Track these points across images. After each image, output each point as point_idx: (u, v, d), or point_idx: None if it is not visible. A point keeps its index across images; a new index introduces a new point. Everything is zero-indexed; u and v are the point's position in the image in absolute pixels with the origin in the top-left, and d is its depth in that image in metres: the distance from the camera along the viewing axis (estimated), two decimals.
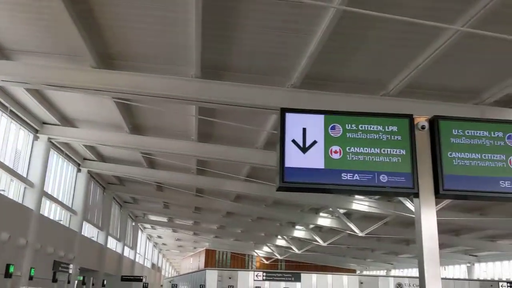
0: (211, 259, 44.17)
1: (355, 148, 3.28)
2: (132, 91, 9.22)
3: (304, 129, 3.26)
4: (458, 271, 32.72)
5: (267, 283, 17.25)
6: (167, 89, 9.00)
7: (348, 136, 3.30)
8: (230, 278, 17.14)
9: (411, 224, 23.19)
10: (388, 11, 6.30)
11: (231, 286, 16.85)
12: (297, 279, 17.36)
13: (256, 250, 41.01)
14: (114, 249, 28.59)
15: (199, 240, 42.50)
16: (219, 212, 26.98)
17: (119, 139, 14.08)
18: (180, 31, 7.89)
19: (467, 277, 29.23)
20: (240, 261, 44.49)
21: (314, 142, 3.25)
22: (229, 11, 7.18)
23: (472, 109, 9.21)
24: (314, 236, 24.36)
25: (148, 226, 39.39)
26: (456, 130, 3.35)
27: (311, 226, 25.92)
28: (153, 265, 49.10)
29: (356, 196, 18.50)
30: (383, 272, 41.28)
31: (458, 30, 6.64)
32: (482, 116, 9.13)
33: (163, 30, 8.01)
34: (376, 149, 3.29)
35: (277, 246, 35.73)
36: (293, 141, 3.24)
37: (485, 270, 30.02)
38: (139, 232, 37.71)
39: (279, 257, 38.62)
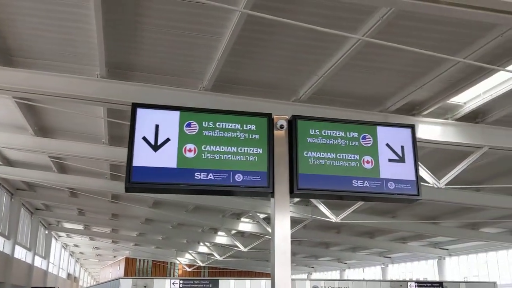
0: (132, 268, 42.74)
1: (211, 147, 3.19)
2: (31, 90, 8.58)
3: (157, 126, 3.10)
4: (373, 272, 34.16)
5: None
6: (69, 88, 8.48)
7: (204, 134, 3.19)
8: (145, 286, 16.59)
9: (330, 227, 23.91)
10: (294, 17, 6.35)
11: None
12: (215, 285, 17.15)
13: (178, 258, 40.26)
14: (23, 259, 26.77)
15: (118, 248, 40.99)
16: (138, 218, 26.18)
17: (23, 141, 13.14)
18: (82, 28, 7.48)
19: (381, 278, 30.60)
20: (162, 269, 43.46)
21: (167, 140, 3.11)
22: (132, 8, 6.90)
23: (375, 116, 9.57)
24: (235, 242, 24.30)
25: (63, 234, 37.39)
26: (313, 130, 3.37)
27: (233, 232, 25.88)
28: (69, 275, 46.65)
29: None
30: (304, 276, 42.15)
31: (360, 39, 6.83)
32: None
33: (65, 26, 7.56)
34: (232, 148, 3.22)
35: (199, 253, 35.31)
36: (144, 138, 3.07)
37: (398, 270, 31.60)
38: (53, 240, 35.65)
39: (201, 264, 38.18)
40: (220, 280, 17.18)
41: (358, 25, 6.88)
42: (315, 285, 18.40)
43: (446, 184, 10.45)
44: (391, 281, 20.85)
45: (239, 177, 3.15)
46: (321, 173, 3.27)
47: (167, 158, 3.04)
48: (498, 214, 18.51)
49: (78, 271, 56.96)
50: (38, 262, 30.65)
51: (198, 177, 3.10)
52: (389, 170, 3.35)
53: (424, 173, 10.32)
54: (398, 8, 6.15)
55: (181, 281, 17.14)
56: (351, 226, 22.77)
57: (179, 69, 8.83)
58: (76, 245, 43.18)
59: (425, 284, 19.89)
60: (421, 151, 11.54)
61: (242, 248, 24.00)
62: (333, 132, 3.40)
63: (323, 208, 14.75)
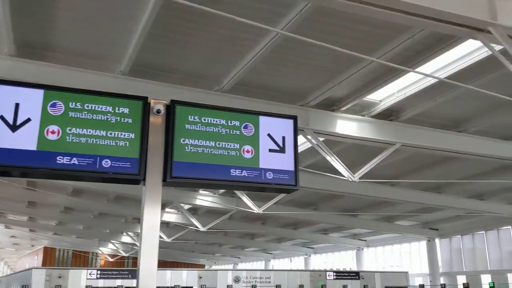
0: (50, 258, 40.84)
1: (77, 129, 3.02)
2: None
3: (17, 104, 2.90)
4: (298, 262, 35.04)
5: (101, 281, 16.35)
6: None
7: (70, 115, 3.01)
8: (60, 277, 15.86)
9: (255, 219, 24.19)
10: (215, 7, 6.24)
11: (58, 285, 15.59)
12: (134, 276, 16.71)
13: (100, 248, 38.99)
14: None
15: (37, 237, 39.00)
16: (56, 207, 24.97)
17: None
18: None
19: (304, 268, 31.47)
20: (83, 259, 41.92)
21: (28, 120, 2.92)
22: None
23: (296, 109, 9.73)
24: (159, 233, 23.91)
25: None
26: (192, 117, 3.31)
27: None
28: None
29: (201, 191, 18.60)
30: (230, 266, 42.44)
31: (278, 32, 6.86)
32: (306, 118, 9.76)
33: None
34: (102, 132, 3.07)
35: (122, 243, 34.41)
36: (1, 117, 2.86)
37: (320, 260, 32.64)
38: None
39: (124, 254, 37.25)
40: None
41: (278, 18, 6.93)
42: (237, 275, 18.53)
43: (360, 178, 10.86)
44: (311, 271, 21.51)
45: (106, 163, 3.02)
46: (197, 161, 3.22)
47: (26, 140, 2.84)
48: (412, 208, 19.61)
49: None
50: None
51: (60, 161, 2.93)
52: (268, 160, 3.37)
53: (339, 166, 10.65)
54: (314, 3, 6.23)
55: (99, 272, 16.58)
56: (275, 218, 23.21)
57: (96, 52, 8.45)
58: None
59: (342, 274, 20.71)
60: (340, 146, 11.95)
61: (165, 238, 23.67)
62: (214, 120, 3.34)
63: (246, 199, 14.85)
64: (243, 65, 8.30)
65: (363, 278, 20.54)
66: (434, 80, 8.63)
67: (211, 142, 3.25)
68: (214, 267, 44.36)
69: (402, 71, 8.27)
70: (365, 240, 27.69)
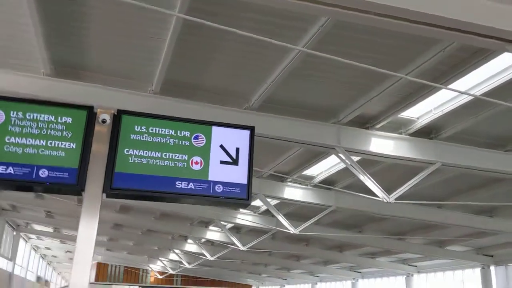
0: (103, 273, 41.99)
1: (16, 139, 3.02)
2: None
3: None
4: (344, 287, 33.99)
5: None
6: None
7: (10, 124, 3.02)
8: None
9: (298, 240, 23.79)
10: (234, 23, 6.27)
11: None
12: None
13: (150, 265, 39.70)
14: None
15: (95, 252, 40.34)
16: (106, 223, 25.72)
17: None
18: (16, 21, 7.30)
19: None
20: (133, 276, 42.80)
21: None
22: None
23: (327, 127, 9.53)
24: (202, 250, 24.03)
25: (33, 236, 36.66)
26: (139, 127, 3.23)
27: (203, 240, 25.60)
28: (38, 278, 45.71)
29: (241, 210, 18.56)
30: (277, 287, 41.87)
31: (300, 50, 6.77)
32: (337, 136, 9.52)
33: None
34: (41, 141, 3.06)
35: (170, 260, 34.85)
36: None
37: (368, 285, 31.48)
38: (21, 242, 34.95)
39: (171, 271, 37.69)
40: None
41: (300, 34, 6.84)
42: None
43: (396, 199, 10.40)
44: None
45: (43, 173, 3.01)
46: (141, 173, 3.14)
47: None
48: (463, 232, 18.57)
49: (49, 274, 55.89)
50: (3, 264, 29.99)
51: None
52: (219, 173, 3.24)
53: (374, 186, 10.26)
54: (332, 18, 6.10)
55: None
56: (319, 240, 22.68)
57: (128, 71, 8.70)
58: (47, 248, 42.35)
59: None
60: (377, 166, 11.55)
61: (209, 256, 23.72)
62: (162, 130, 3.25)
63: (281, 218, 14.62)
64: (270, 82, 8.25)
65: None
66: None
67: (157, 153, 3.18)
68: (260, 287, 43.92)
69: (434, 87, 7.93)
70: (416, 266, 26.43)
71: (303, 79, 8.39)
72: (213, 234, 22.53)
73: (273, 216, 18.49)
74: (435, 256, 22.06)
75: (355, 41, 7.09)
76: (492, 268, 21.99)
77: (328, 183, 13.93)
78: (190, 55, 7.75)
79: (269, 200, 15.06)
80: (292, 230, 14.99)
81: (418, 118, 9.71)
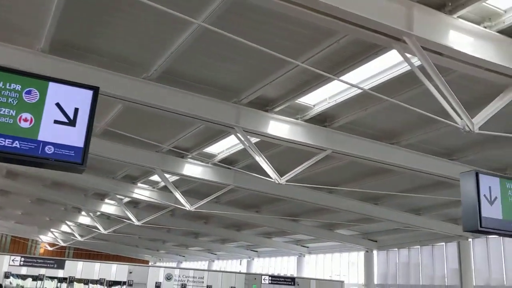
0: None
1: None
2: None
3: None
4: (238, 264, 34.82)
5: (24, 268, 15.66)
6: None
7: None
8: None
9: (198, 217, 23.84)
10: None
11: None
12: (61, 266, 16.15)
13: (40, 236, 37.66)
14: None
15: None
16: None
17: None
18: None
19: (246, 271, 31.27)
20: (22, 246, 40.41)
21: None
22: None
23: (227, 106, 9.54)
24: (96, 223, 23.22)
25: None
26: None
27: (98, 213, 24.71)
28: None
29: (139, 184, 18.13)
30: (175, 264, 41.82)
31: (199, 24, 6.61)
32: (237, 116, 9.57)
33: None
34: None
35: (62, 232, 33.31)
36: None
37: (263, 264, 32.55)
38: None
39: (62, 243, 36.10)
40: (66, 261, 16.18)
41: (199, 7, 6.70)
42: (169, 272, 18.15)
43: (288, 182, 10.76)
44: (246, 273, 21.34)
45: None
46: None
47: None
48: (351, 217, 19.76)
49: None
50: None
51: None
52: (51, 133, 3.09)
53: (267, 168, 10.51)
54: None
55: (23, 259, 15.88)
56: (218, 218, 22.92)
57: (13, 25, 7.98)
58: None
59: (278, 279, 20.67)
60: (275, 149, 11.83)
61: (102, 230, 22.99)
62: None
63: (178, 195, 14.51)
64: (170, 53, 8.02)
65: (298, 285, 20.57)
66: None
67: None
68: (158, 264, 43.59)
69: (328, 77, 8.21)
70: (307, 247, 27.78)
71: (206, 55, 8.28)
72: (109, 207, 21.84)
73: (171, 192, 18.39)
74: (325, 238, 23.31)
75: (256, 23, 7.10)
76: (375, 252, 23.75)
77: (228, 162, 14.04)
78: (83, 15, 7.29)
79: (168, 176, 14.86)
80: (188, 207, 14.96)
81: (314, 106, 10.05)
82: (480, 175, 3.72)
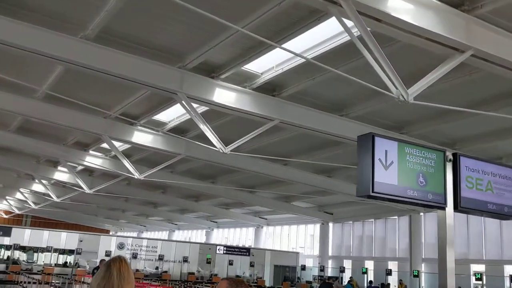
0: None
1: None
2: None
3: None
4: (200, 235, 34.92)
5: None
6: None
7: None
8: None
9: (155, 187, 23.55)
10: None
11: None
12: (7, 233, 15.69)
13: None
14: None
15: None
16: None
17: None
18: None
19: (205, 241, 31.37)
20: None
21: None
22: None
23: (172, 71, 9.19)
24: (48, 191, 22.59)
25: None
26: None
27: (53, 181, 24.03)
28: None
29: (91, 152, 17.63)
30: (135, 234, 41.58)
31: None
32: (181, 81, 9.23)
33: None
34: None
35: (18, 200, 32.42)
36: None
37: (222, 235, 32.70)
38: None
39: (17, 211, 35.23)
40: (13, 229, 15.71)
41: None
42: (121, 241, 17.91)
43: (232, 151, 10.58)
44: (200, 243, 21.34)
45: None
46: None
47: None
48: (307, 190, 19.85)
49: None
50: None
51: None
52: None
53: (212, 137, 10.29)
54: None
55: None
56: (176, 188, 22.67)
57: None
58: None
59: (232, 249, 20.73)
60: (223, 119, 11.60)
61: (55, 198, 22.42)
62: None
63: (126, 163, 14.16)
64: (105, 10, 7.56)
65: (253, 255, 20.68)
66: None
67: None
68: (119, 233, 43.24)
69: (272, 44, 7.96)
70: (266, 219, 27.98)
71: (146, 15, 7.88)
72: (62, 175, 21.21)
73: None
74: (282, 210, 23.48)
75: None
76: (330, 224, 24.11)
77: (179, 131, 13.72)
78: None
79: (119, 144, 14.45)
80: (137, 175, 14.63)
81: (262, 74, 9.80)
82: (376, 138, 3.56)
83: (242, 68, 9.48)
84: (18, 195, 30.99)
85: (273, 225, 28.17)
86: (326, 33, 7.92)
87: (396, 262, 20.33)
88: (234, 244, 28.79)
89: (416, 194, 3.67)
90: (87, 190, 18.55)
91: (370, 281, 19.48)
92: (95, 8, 7.72)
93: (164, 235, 38.89)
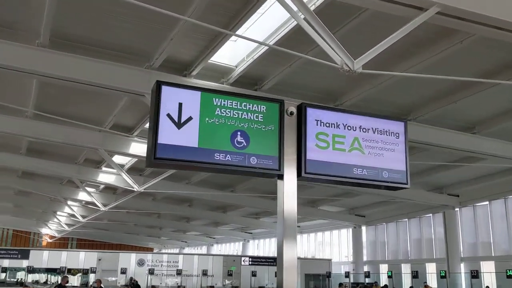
0: None
1: None
2: None
3: None
4: (237, 247, 34.27)
5: None
6: None
7: None
8: None
9: (182, 201, 23.24)
10: None
11: None
12: (25, 256, 15.74)
13: (41, 228, 37.68)
14: None
15: None
16: None
17: None
18: None
19: (241, 253, 30.69)
20: (24, 239, 40.58)
21: None
22: None
23: (140, 72, 8.73)
24: (74, 212, 22.77)
25: None
26: None
27: (84, 202, 24.25)
28: None
29: (103, 168, 17.51)
30: (176, 250, 41.54)
31: None
32: (149, 82, 8.73)
33: None
34: None
35: (57, 223, 33.14)
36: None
37: (258, 246, 31.89)
38: None
39: (56, 235, 36.03)
40: (31, 251, 15.74)
41: None
42: (141, 258, 17.59)
43: None
44: (224, 255, 20.68)
45: None
46: None
47: None
48: (334, 191, 18.79)
49: None
50: None
51: None
52: None
53: None
54: None
55: None
56: (202, 200, 22.16)
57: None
58: None
59: (259, 260, 19.94)
60: None
61: (80, 218, 22.53)
62: None
63: (124, 175, 13.82)
64: (47, 11, 7.18)
65: None
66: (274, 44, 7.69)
67: None
68: (163, 250, 43.39)
69: (233, 28, 7.32)
70: (299, 226, 26.95)
71: (98, 15, 7.48)
72: (84, 195, 21.27)
73: (140, 175, 17.73)
74: (310, 216, 22.44)
75: None
76: (363, 227, 22.82)
77: None
78: None
79: (116, 156, 14.18)
80: (136, 187, 14.26)
81: (236, 67, 9.15)
82: (165, 88, 2.79)
83: (214, 62, 8.90)
84: (56, 218, 31.69)
85: (307, 233, 27.10)
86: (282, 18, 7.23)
87: (434, 264, 18.79)
88: (271, 255, 27.94)
89: (230, 158, 2.84)
90: (102, 208, 18.43)
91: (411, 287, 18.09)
92: (37, 11, 7.38)
93: (203, 249, 38.57)
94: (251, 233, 31.56)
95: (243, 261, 19.34)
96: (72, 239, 40.90)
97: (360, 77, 9.15)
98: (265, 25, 7.53)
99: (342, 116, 3.23)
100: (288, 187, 3.11)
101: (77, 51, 8.23)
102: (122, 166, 15.37)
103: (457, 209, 18.01)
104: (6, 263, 15.45)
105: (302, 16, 5.38)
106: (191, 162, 2.85)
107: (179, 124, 2.81)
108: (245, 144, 2.96)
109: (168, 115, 2.80)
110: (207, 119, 2.89)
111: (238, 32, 7.27)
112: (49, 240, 39.10)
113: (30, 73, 8.21)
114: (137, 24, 7.82)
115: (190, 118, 2.85)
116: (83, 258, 16.70)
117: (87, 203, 23.67)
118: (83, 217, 22.69)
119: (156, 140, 2.75)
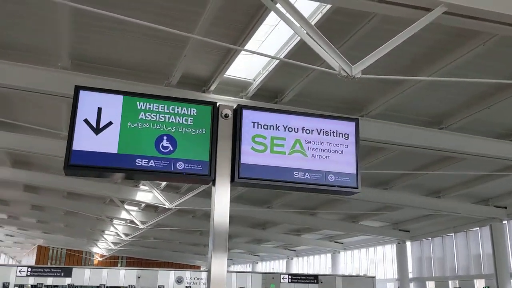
0: (44, 256, 41.11)
1: None
2: None
3: None
4: (282, 265, 33.86)
5: (31, 278, 15.89)
6: None
7: None
8: None
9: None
10: None
11: None
12: (68, 274, 16.19)
13: (92, 247, 38.89)
14: None
15: (33, 236, 39.15)
16: (25, 204, 24.59)
17: None
18: None
19: (285, 271, 30.27)
20: (76, 258, 41.99)
21: None
22: None
23: (160, 90, 8.88)
24: (117, 230, 23.32)
25: None
26: None
27: (128, 220, 24.85)
28: None
29: (141, 187, 17.86)
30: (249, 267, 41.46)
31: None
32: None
33: None
34: None
35: (106, 241, 34.09)
36: None
37: (301, 263, 31.36)
38: None
39: (105, 253, 36.97)
40: (74, 269, 16.21)
41: None
42: (179, 275, 17.70)
43: None
44: (263, 273, 20.40)
45: None
46: None
47: None
48: (374, 206, 18.25)
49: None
50: None
51: None
52: None
53: None
54: None
55: (29, 269, 16.09)
56: (240, 217, 22.11)
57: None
58: None
59: (299, 277, 19.51)
60: None
61: (123, 236, 23.03)
62: None
63: (156, 193, 14.02)
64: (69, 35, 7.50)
65: (321, 282, 19.27)
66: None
67: None
68: (232, 267, 43.09)
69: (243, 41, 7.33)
70: (342, 243, 26.29)
71: (113, 36, 7.73)
72: (125, 213, 21.78)
73: (177, 192, 17.94)
74: (351, 231, 21.84)
75: None
76: (408, 243, 21.95)
77: None
78: None
79: None
80: (167, 204, 14.41)
81: (254, 80, 9.13)
82: (83, 92, 2.69)
83: (232, 76, 8.94)
84: (106, 237, 32.58)
85: (351, 249, 26.37)
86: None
87: (483, 280, 17.72)
88: (315, 272, 27.38)
89: (154, 163, 2.72)
90: (140, 226, 18.77)
91: None
92: (56, 35, 7.70)
93: (247, 267, 38.37)
94: (295, 250, 31.11)
95: (283, 278, 19.00)
96: (122, 257, 41.85)
97: (382, 85, 8.98)
98: (278, 37, 7.51)
99: (283, 117, 3.12)
100: (220, 192, 3.01)
101: (98, 72, 8.51)
102: (158, 184, 15.63)
103: (505, 221, 16.98)
104: (50, 281, 15.97)
105: (298, 25, 5.29)
106: (109, 168, 2.80)
107: (97, 130, 2.78)
108: (172, 149, 2.89)
109: (86, 121, 2.78)
110: (129, 123, 2.85)
111: (251, 45, 7.28)
112: (99, 259, 40.22)
113: (61, 96, 8.51)
114: (152, 43, 7.99)
115: (110, 123, 2.82)
116: (123, 276, 17.01)
117: (130, 221, 24.28)
118: (126, 235, 23.20)
119: (71, 147, 2.72)
